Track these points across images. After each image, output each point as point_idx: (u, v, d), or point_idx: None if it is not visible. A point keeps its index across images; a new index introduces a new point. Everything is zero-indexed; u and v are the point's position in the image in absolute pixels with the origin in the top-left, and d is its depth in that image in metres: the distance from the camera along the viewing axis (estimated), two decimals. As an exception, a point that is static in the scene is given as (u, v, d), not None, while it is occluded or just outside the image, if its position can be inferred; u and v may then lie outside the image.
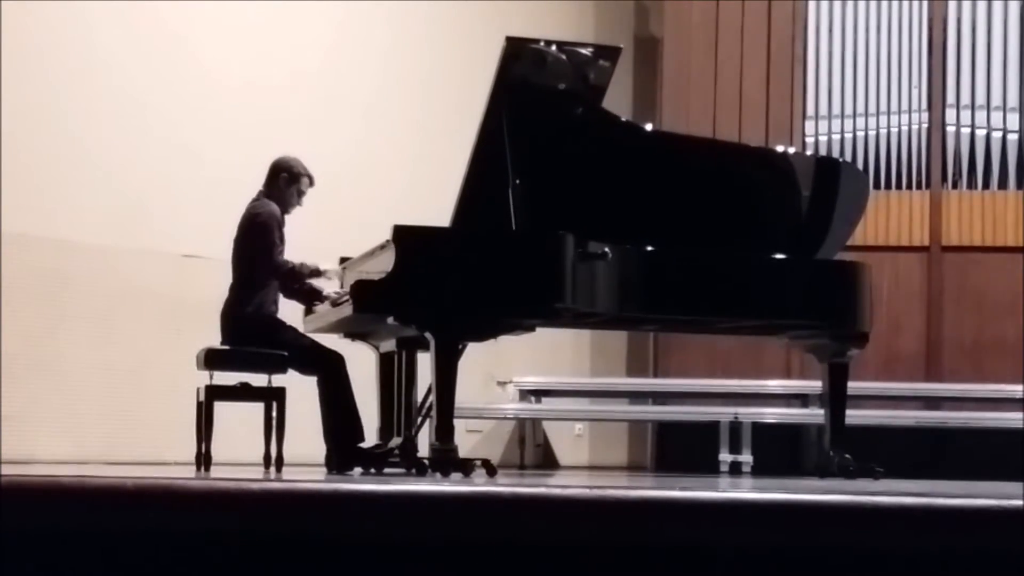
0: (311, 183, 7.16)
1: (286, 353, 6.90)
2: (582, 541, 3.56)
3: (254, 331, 6.94)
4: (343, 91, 10.50)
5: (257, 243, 6.98)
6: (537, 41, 6.65)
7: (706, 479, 7.60)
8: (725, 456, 10.04)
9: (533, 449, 11.12)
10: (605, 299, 6.50)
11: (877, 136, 10.79)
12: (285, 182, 7.10)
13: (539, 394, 10.92)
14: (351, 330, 7.17)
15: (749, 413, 10.14)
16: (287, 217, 7.13)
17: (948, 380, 10.46)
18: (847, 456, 7.18)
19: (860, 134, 10.81)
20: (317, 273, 7.03)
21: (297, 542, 3.54)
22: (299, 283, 7.10)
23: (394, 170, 10.56)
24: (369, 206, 9.68)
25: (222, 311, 7.05)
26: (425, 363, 6.44)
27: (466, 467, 6.20)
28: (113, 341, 9.32)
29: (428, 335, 6.21)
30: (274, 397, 6.91)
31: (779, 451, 10.17)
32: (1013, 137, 10.66)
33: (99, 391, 9.20)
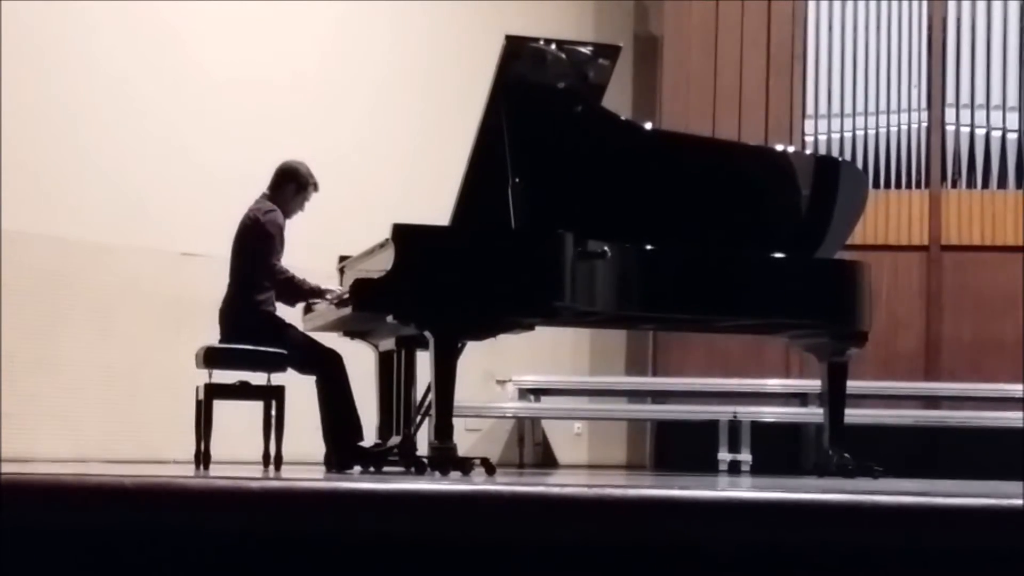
0: (316, 190, 7.16)
1: (285, 352, 6.90)
2: (581, 540, 3.56)
3: (253, 330, 6.93)
4: (343, 90, 10.50)
5: (257, 247, 6.96)
6: (537, 40, 6.65)
7: (705, 478, 7.61)
8: (724, 455, 10.04)
9: (532, 448, 11.12)
10: (604, 298, 6.50)
11: (877, 135, 10.79)
12: (292, 191, 7.10)
13: (538, 393, 10.92)
14: (350, 328, 7.18)
15: (748, 412, 10.14)
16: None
17: (947, 379, 10.47)
18: (846, 455, 7.19)
19: (860, 133, 10.81)
20: (318, 293, 7.00)
21: (296, 541, 3.54)
22: (297, 296, 7.07)
23: (394, 169, 10.55)
24: (369, 204, 9.68)
25: (220, 310, 7.05)
26: (424, 362, 6.44)
27: (465, 466, 6.21)
28: (112, 339, 9.32)
29: (427, 334, 6.21)
30: (273, 396, 6.91)
31: (778, 450, 10.17)
32: (1012, 136, 10.66)
33: (98, 389, 9.20)
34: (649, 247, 6.65)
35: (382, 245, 6.42)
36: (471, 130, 6.60)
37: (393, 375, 7.05)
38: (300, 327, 7.19)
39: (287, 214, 7.12)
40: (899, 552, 3.56)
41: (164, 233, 9.56)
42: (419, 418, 6.94)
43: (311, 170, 7.17)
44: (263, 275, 6.94)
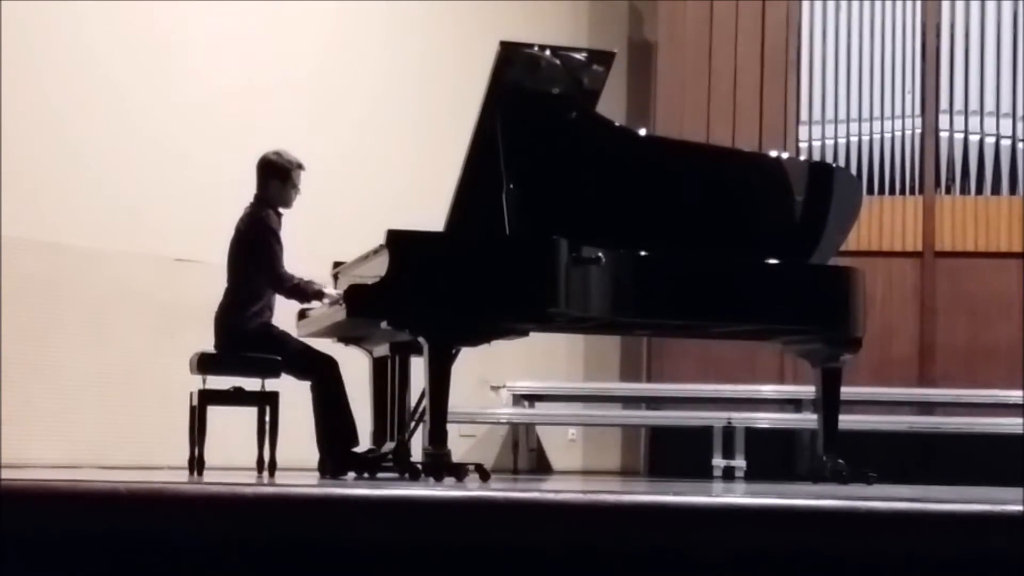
0: (303, 169, 7.12)
1: (280, 357, 6.89)
2: (575, 546, 3.56)
3: (248, 336, 6.93)
4: (338, 95, 10.50)
5: (255, 253, 6.96)
6: (531, 45, 6.66)
7: (699, 484, 7.60)
8: (718, 461, 10.05)
9: (526, 454, 11.12)
10: (599, 303, 6.49)
11: (871, 141, 10.81)
12: (279, 184, 7.07)
13: (532, 399, 10.92)
14: (345, 334, 7.17)
15: (742, 418, 10.14)
16: (287, 211, 7.11)
17: (941, 385, 10.48)
18: (840, 461, 7.18)
19: (854, 139, 10.83)
20: (320, 295, 6.98)
21: (290, 547, 3.54)
22: (303, 299, 7.06)
23: (388, 175, 10.56)
24: (363, 211, 9.69)
25: (216, 316, 7.04)
26: (418, 367, 6.44)
27: (459, 472, 6.20)
28: (106, 345, 9.31)
29: (421, 340, 6.20)
30: (267, 401, 6.91)
31: (772, 456, 10.17)
32: (1006, 143, 10.68)
33: (93, 395, 9.20)
34: (643, 253, 6.64)
35: (376, 251, 6.42)
36: (466, 136, 6.60)
37: (387, 381, 7.04)
38: (294, 333, 7.19)
39: (284, 204, 7.09)
40: (894, 559, 3.56)
41: (159, 239, 9.56)
42: (413, 424, 6.93)
43: (288, 153, 7.11)
44: (271, 284, 6.94)
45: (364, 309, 6.29)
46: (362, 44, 10.69)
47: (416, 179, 10.21)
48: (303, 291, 6.96)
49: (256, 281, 6.96)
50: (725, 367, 10.41)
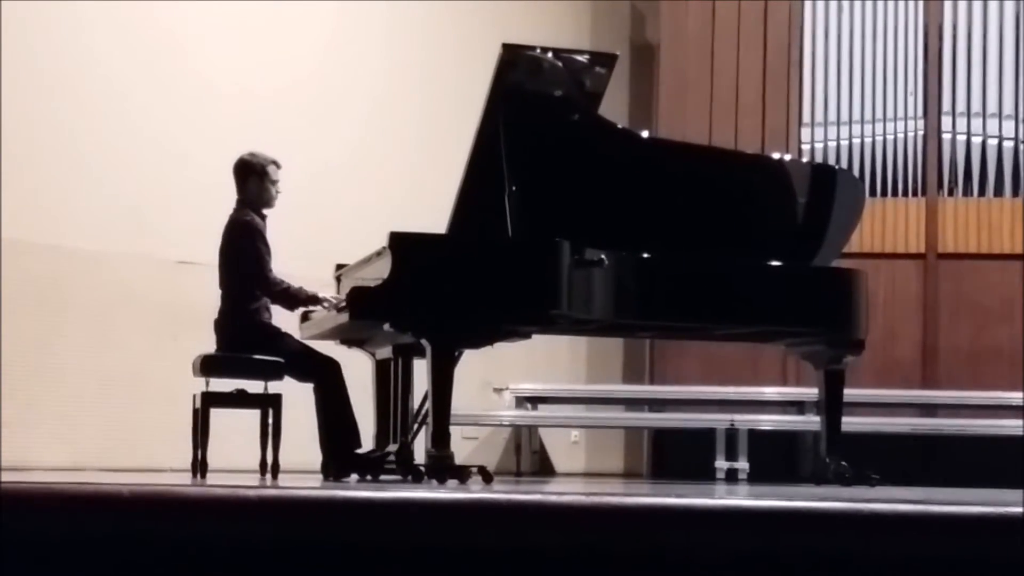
0: (278, 166, 7.13)
1: (282, 360, 6.89)
2: (578, 548, 3.56)
3: (249, 339, 6.93)
4: (339, 97, 10.49)
5: (241, 256, 6.95)
6: (533, 48, 6.66)
7: (702, 486, 7.59)
8: (721, 463, 10.04)
9: (529, 456, 11.11)
10: (601, 306, 6.50)
11: (873, 143, 10.80)
12: (256, 182, 7.08)
13: (535, 401, 10.91)
14: (348, 337, 7.17)
15: (745, 420, 10.13)
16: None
17: (944, 387, 10.46)
18: (843, 463, 7.18)
19: (856, 141, 10.82)
20: (315, 301, 6.98)
21: (293, 549, 3.54)
22: (295, 304, 7.05)
23: (391, 176, 10.55)
24: (366, 213, 9.68)
25: (216, 320, 7.04)
26: (421, 370, 6.44)
27: (462, 474, 6.20)
28: (109, 347, 9.30)
29: (424, 342, 6.20)
30: (270, 404, 6.90)
31: (775, 458, 10.17)
32: (1009, 144, 10.67)
33: (95, 397, 9.18)
34: (646, 255, 6.65)
35: (379, 253, 6.42)
36: (468, 137, 6.60)
37: (390, 383, 7.05)
38: (297, 335, 7.19)
39: (267, 203, 7.10)
40: (896, 560, 3.55)
41: (161, 241, 9.55)
42: (416, 426, 6.93)
43: (262, 152, 7.15)
44: (259, 288, 6.94)
45: (367, 311, 6.29)
46: (362, 44, 10.68)
47: (418, 180, 10.20)
48: (292, 297, 6.96)
49: (247, 283, 6.96)
50: (728, 369, 10.40)
